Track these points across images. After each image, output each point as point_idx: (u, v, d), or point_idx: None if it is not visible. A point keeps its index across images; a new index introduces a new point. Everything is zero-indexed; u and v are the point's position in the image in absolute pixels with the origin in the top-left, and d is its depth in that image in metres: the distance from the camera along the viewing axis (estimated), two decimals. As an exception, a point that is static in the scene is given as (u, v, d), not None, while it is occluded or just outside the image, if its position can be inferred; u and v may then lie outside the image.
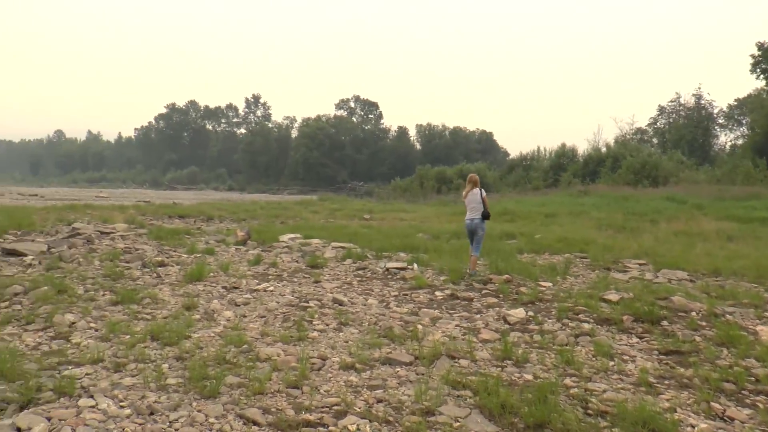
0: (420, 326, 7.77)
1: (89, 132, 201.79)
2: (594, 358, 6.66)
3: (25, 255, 12.05)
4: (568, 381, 5.79)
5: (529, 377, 5.91)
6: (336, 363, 6.18)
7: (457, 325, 8.00)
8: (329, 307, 8.78)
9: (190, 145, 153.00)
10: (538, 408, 4.88)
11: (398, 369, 6.07)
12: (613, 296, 9.50)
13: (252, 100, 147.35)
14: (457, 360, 6.38)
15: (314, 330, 7.48)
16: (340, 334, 7.44)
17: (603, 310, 8.76)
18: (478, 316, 8.66)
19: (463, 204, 12.48)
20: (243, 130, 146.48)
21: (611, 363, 6.46)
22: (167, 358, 6.12)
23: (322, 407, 5.02)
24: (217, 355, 6.15)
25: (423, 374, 5.91)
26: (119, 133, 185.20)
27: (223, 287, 9.87)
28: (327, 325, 7.79)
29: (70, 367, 5.77)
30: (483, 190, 12.08)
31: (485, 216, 11.85)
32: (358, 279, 11.28)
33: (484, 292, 10.33)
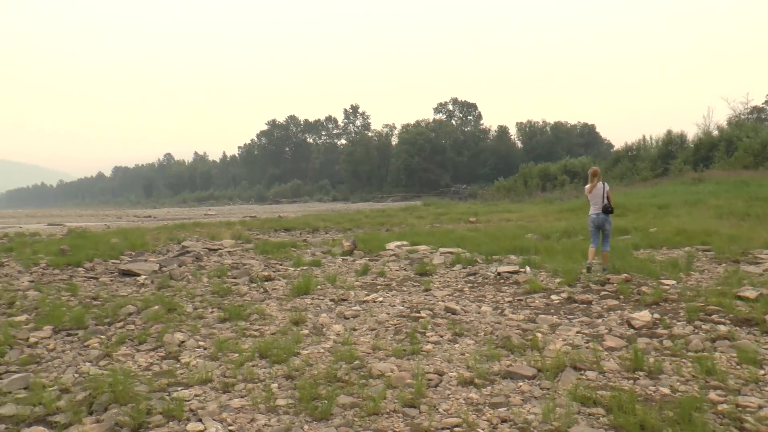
0: (539, 334, 7.25)
1: (195, 153, 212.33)
2: (738, 367, 5.90)
3: (139, 275, 12.33)
4: (713, 395, 5.11)
5: (666, 391, 5.29)
6: (454, 378, 5.76)
7: (578, 332, 7.43)
8: (442, 316, 8.38)
9: (292, 159, 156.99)
10: (683, 429, 4.32)
11: (521, 383, 5.59)
12: (750, 293, 8.60)
13: (350, 110, 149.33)
14: (583, 372, 5.84)
15: (428, 342, 7.09)
16: (456, 345, 6.99)
17: (740, 309, 7.93)
18: (600, 320, 8.05)
19: (585, 199, 12.02)
20: (343, 141, 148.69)
21: (761, 372, 5.69)
22: (276, 377, 5.91)
23: (443, 429, 4.64)
24: (327, 373, 5.87)
25: (548, 389, 5.41)
26: (223, 152, 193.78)
27: (331, 300, 9.64)
28: (441, 336, 7.38)
29: (179, 389, 5.66)
30: (606, 183, 11.62)
31: (607, 210, 11.32)
32: (469, 285, 10.84)
33: (602, 293, 9.67)
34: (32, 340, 7.76)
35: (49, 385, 5.93)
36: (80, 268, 13.30)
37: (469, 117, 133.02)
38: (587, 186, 11.83)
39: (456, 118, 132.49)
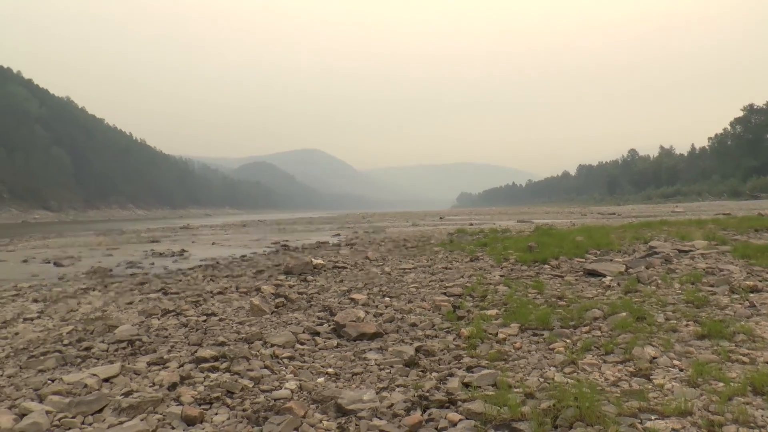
0: None
1: (661, 147, 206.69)
2: None
3: (604, 275, 11.86)
4: None
5: None
6: None
7: None
8: None
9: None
10: None
11: None
12: None
13: None
14: None
15: None
16: None
17: None
18: None
19: None
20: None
21: None
22: (776, 423, 4.75)
23: None
24: None
25: None
26: (692, 144, 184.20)
27: None
28: None
29: (652, 417, 4.93)
30: None
31: None
32: None
33: None
34: (500, 336, 7.87)
35: (515, 386, 5.80)
36: (546, 266, 13.44)
37: None
38: None
39: None
